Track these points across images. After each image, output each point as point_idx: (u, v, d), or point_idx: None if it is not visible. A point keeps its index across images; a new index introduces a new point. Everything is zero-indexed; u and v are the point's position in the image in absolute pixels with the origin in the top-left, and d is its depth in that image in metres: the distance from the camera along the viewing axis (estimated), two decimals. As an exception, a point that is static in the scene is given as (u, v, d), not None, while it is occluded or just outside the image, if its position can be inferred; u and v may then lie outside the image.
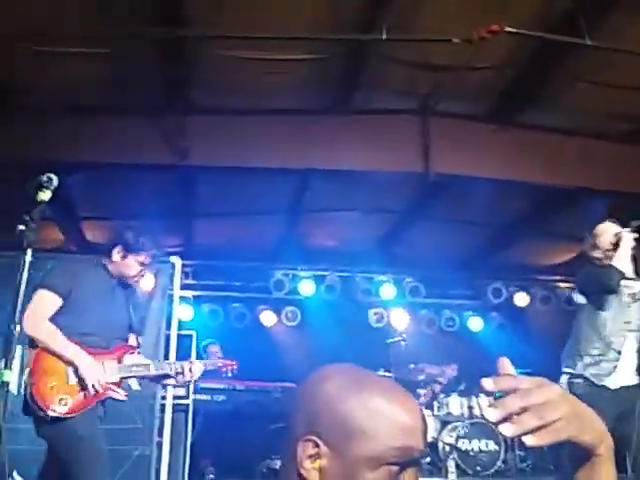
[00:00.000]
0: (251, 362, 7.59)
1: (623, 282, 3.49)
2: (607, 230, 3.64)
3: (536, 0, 4.10)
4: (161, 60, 4.48)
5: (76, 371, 3.04)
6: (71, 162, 4.93)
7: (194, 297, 7.68)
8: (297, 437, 0.99)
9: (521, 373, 0.94)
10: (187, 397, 5.90)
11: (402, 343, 7.95)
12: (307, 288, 7.80)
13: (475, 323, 8.74)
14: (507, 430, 0.84)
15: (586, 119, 5.26)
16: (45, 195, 2.71)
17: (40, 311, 3.09)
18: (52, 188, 2.73)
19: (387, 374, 7.62)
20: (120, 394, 3.18)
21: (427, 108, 5.16)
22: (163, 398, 5.53)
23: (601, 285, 3.53)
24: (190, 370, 3.29)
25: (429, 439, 6.82)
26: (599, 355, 3.51)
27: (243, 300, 8.11)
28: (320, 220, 6.66)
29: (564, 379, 3.59)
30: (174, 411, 5.52)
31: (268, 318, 8.36)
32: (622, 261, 3.48)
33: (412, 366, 7.55)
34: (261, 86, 4.88)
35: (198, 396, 6.14)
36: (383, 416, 0.98)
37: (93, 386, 3.03)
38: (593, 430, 0.92)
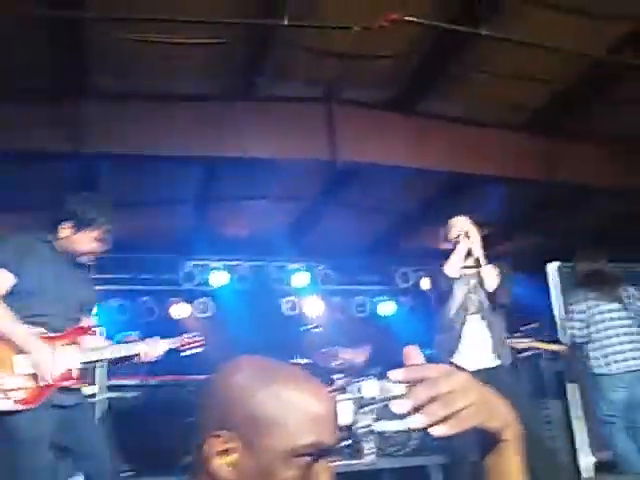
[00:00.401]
0: (163, 356, 7.45)
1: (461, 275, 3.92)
2: (455, 225, 4.04)
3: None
4: (53, 42, 4.25)
5: (25, 359, 2.74)
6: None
7: (99, 292, 7.42)
8: (205, 433, 0.97)
9: (431, 354, 0.95)
10: (95, 396, 5.72)
11: (316, 330, 8.04)
12: (219, 279, 7.70)
13: (386, 308, 8.93)
14: (416, 422, 0.85)
15: (485, 108, 5.45)
16: None
17: None
18: None
19: (302, 361, 7.69)
20: (78, 383, 2.93)
21: (332, 96, 5.18)
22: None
23: (436, 289, 4.04)
24: (151, 351, 3.10)
25: (346, 422, 6.93)
26: (444, 340, 3.96)
27: (152, 293, 7.90)
28: (229, 209, 6.58)
29: None
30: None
31: (179, 311, 8.19)
32: (451, 266, 3.90)
33: (324, 350, 7.64)
34: (162, 70, 4.73)
35: (109, 394, 5.95)
36: (294, 407, 0.97)
37: (46, 377, 2.74)
38: (499, 416, 0.93)
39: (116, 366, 3.36)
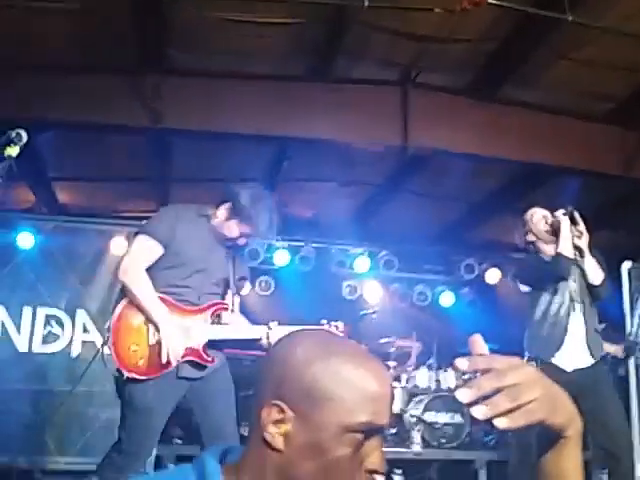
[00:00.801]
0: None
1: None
2: (537, 215, 3.81)
3: (521, -27, 4.06)
4: (135, 17, 4.34)
5: (157, 332, 2.83)
6: (40, 119, 4.79)
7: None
8: (264, 402, 0.98)
9: (490, 349, 0.93)
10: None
11: (374, 316, 8.02)
12: (282, 258, 7.76)
13: (447, 298, 8.79)
14: (479, 412, 0.83)
15: (566, 97, 5.26)
16: (13, 151, 2.62)
17: (137, 257, 2.90)
18: (21, 144, 2.63)
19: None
20: (204, 359, 2.95)
21: (408, 79, 5.11)
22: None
23: (554, 275, 3.63)
24: (268, 337, 3.04)
25: (396, 410, 6.91)
26: (547, 335, 3.64)
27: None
28: (296, 190, 6.62)
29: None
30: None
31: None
32: (566, 245, 3.58)
33: (383, 340, 7.62)
34: (240, 49, 4.78)
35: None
36: (351, 383, 0.97)
37: (166, 355, 2.80)
38: (565, 412, 0.91)
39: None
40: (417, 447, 6.53)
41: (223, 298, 3.10)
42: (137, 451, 2.86)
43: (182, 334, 2.87)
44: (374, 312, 8.02)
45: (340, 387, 0.96)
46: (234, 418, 3.08)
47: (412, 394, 7.04)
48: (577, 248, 3.67)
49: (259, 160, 6.07)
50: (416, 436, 6.64)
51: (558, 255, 3.57)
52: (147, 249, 2.91)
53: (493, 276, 8.02)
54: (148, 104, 4.86)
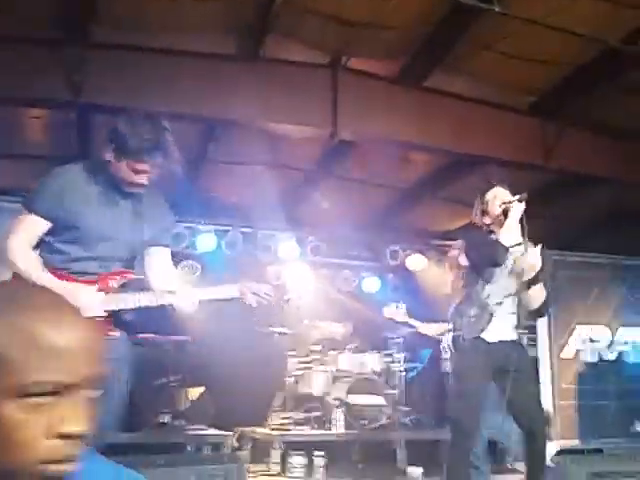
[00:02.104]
0: (146, 315, 7.42)
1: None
2: (497, 196, 3.69)
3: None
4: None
5: None
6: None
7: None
8: None
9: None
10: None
11: (299, 301, 8.02)
12: (207, 242, 7.64)
13: (372, 284, 8.92)
14: None
15: (491, 88, 5.38)
16: None
17: (20, 237, 2.58)
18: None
19: (283, 330, 7.70)
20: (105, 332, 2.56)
21: (338, 64, 5.09)
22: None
23: (487, 259, 3.60)
24: (184, 301, 2.70)
25: (319, 393, 6.97)
26: (475, 316, 3.65)
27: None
28: (223, 173, 6.50)
29: (449, 335, 3.79)
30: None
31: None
32: (510, 233, 3.52)
33: (306, 322, 7.65)
34: (168, 25, 4.63)
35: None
36: (25, 339, 0.86)
37: None
38: None
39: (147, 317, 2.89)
40: (339, 429, 6.62)
41: (132, 263, 2.76)
42: None
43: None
44: (300, 297, 8.03)
45: (10, 343, 0.85)
46: None
47: (335, 377, 7.12)
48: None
49: (184, 140, 5.89)
50: (339, 418, 6.73)
51: (497, 241, 3.54)
52: (28, 228, 2.60)
53: (416, 262, 8.19)
54: (69, 77, 4.61)
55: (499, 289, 3.68)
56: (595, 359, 7.01)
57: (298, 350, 7.61)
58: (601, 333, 7.09)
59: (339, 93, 5.11)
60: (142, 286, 2.76)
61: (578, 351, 6.95)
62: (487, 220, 3.73)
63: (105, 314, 2.61)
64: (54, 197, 2.60)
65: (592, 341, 7.04)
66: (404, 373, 7.21)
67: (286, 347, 7.66)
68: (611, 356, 7.07)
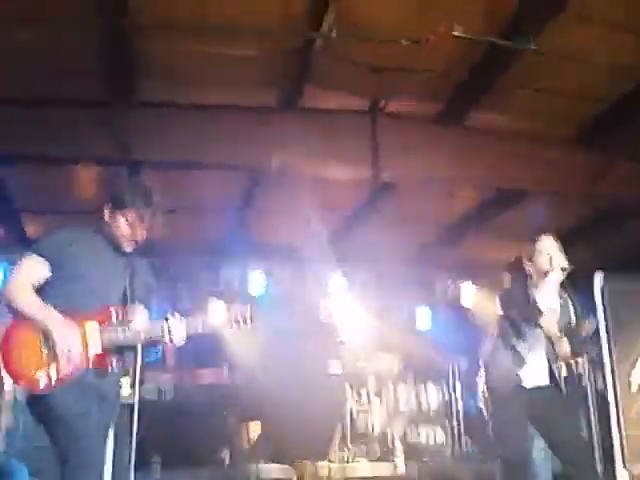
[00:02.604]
0: (201, 354, 7.56)
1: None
2: (546, 249, 3.86)
3: (483, 3, 4.15)
4: (102, 49, 4.34)
5: (51, 339, 2.71)
6: (5, 152, 4.75)
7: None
8: None
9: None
10: (133, 395, 5.83)
11: (352, 338, 8.05)
12: (258, 284, 7.77)
13: (423, 319, 8.87)
14: None
15: (529, 123, 5.37)
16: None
17: (21, 276, 2.83)
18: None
19: (337, 371, 7.71)
20: (106, 363, 2.82)
21: (376, 109, 5.17)
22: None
23: (522, 319, 3.77)
24: (175, 332, 2.89)
25: (378, 428, 6.93)
26: (507, 366, 3.82)
27: (192, 297, 8.01)
28: (270, 217, 6.63)
29: (482, 381, 3.97)
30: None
31: (218, 313, 8.26)
32: (547, 296, 3.76)
33: (361, 363, 7.65)
34: (209, 80, 4.80)
35: (146, 396, 6.08)
36: None
37: (68, 352, 2.68)
38: None
39: (147, 349, 3.21)
40: (400, 463, 6.56)
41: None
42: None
43: (79, 340, 2.76)
44: (353, 333, 8.05)
45: None
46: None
47: (393, 411, 7.07)
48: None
49: (231, 189, 6.09)
50: (399, 453, 6.68)
51: (535, 306, 3.72)
52: (31, 267, 2.85)
53: (468, 295, 8.10)
54: (116, 136, 4.84)
55: (531, 339, 3.80)
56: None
57: (356, 386, 7.61)
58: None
59: (379, 136, 5.18)
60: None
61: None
62: (530, 267, 3.90)
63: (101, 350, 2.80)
64: (59, 245, 2.89)
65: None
66: (463, 405, 7.10)
67: (344, 383, 7.67)
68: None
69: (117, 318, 2.88)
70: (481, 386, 4.06)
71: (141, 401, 5.84)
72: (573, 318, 3.85)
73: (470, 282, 7.73)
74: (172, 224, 6.71)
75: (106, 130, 4.86)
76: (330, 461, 6.77)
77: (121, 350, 2.93)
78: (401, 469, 6.53)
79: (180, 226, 6.75)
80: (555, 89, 4.82)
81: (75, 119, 4.88)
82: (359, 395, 7.41)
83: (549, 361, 3.80)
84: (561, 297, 3.87)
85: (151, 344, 3.04)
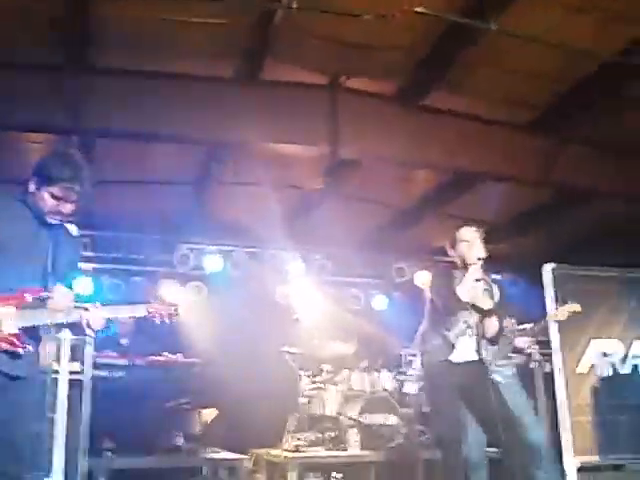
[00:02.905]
0: (154, 337, 7.44)
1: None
2: (466, 238, 4.07)
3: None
4: (57, 14, 4.19)
5: None
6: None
7: (94, 269, 7.37)
8: None
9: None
10: (82, 372, 5.70)
11: (307, 319, 8.02)
12: (213, 263, 7.67)
13: (379, 302, 8.91)
14: None
15: (490, 105, 5.41)
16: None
17: None
18: None
19: (293, 350, 7.69)
20: (16, 345, 2.69)
21: (337, 84, 5.13)
22: (56, 372, 5.31)
23: (446, 306, 4.04)
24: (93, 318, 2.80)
25: (332, 413, 6.94)
26: (437, 345, 4.08)
27: (146, 273, 7.87)
28: (227, 194, 6.54)
29: (418, 358, 4.31)
30: (69, 387, 5.32)
31: (171, 292, 8.15)
32: (465, 289, 3.92)
33: (316, 342, 7.63)
34: (165, 49, 4.69)
35: (95, 372, 5.92)
36: None
37: None
38: None
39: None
40: (354, 449, 6.56)
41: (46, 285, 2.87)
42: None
43: None
44: (308, 316, 8.03)
45: None
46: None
47: (347, 397, 7.07)
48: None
49: (187, 163, 5.97)
50: (354, 438, 6.68)
51: (455, 295, 3.94)
52: None
53: (423, 279, 8.17)
54: (69, 103, 4.68)
55: (458, 322, 4.04)
56: (610, 373, 6.92)
57: (309, 370, 7.59)
58: (614, 347, 7.00)
59: (338, 113, 5.15)
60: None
61: (592, 366, 6.87)
62: (452, 253, 4.16)
63: (18, 330, 2.70)
64: None
65: (606, 355, 6.96)
66: (418, 391, 7.14)
67: (297, 367, 7.64)
68: (626, 370, 6.97)
69: (34, 299, 2.76)
70: (416, 365, 4.27)
71: (93, 379, 5.73)
72: (497, 301, 4.09)
73: (424, 268, 7.85)
74: (125, 198, 6.61)
75: (57, 96, 4.71)
76: (284, 448, 6.74)
77: (36, 330, 2.81)
78: (356, 455, 6.54)
79: (133, 201, 6.60)
80: (514, 71, 4.86)
81: (27, 86, 4.72)
82: (313, 380, 7.38)
83: (477, 341, 4.00)
84: (485, 283, 4.07)
85: (71, 327, 2.95)
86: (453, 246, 4.14)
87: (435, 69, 4.93)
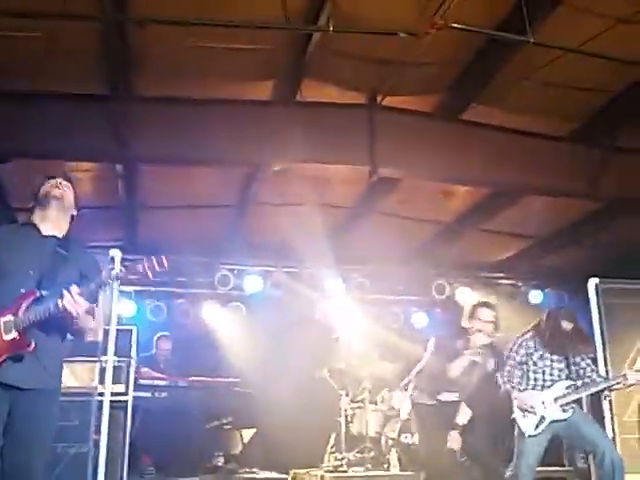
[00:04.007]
0: (194, 358, 7.50)
1: None
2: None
3: (482, -4, 4.13)
4: (101, 44, 4.30)
5: None
6: (3, 149, 4.71)
7: (135, 292, 7.49)
8: None
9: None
10: (126, 394, 5.76)
11: (347, 338, 7.97)
12: (253, 284, 7.71)
13: (419, 319, 8.82)
14: None
15: (530, 117, 5.33)
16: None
17: None
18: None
19: (333, 369, 7.64)
20: (23, 347, 2.78)
21: (373, 103, 5.13)
22: (100, 395, 5.36)
23: None
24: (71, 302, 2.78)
25: (372, 433, 6.86)
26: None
27: (187, 295, 7.96)
28: (267, 214, 6.57)
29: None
30: (112, 408, 5.35)
31: (212, 313, 8.23)
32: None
33: (356, 361, 7.57)
34: (206, 75, 4.77)
35: (138, 393, 5.98)
36: None
37: None
38: None
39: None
40: (395, 469, 6.47)
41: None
42: None
43: None
44: (348, 335, 7.98)
45: None
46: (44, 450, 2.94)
47: (388, 416, 6.99)
48: None
49: (228, 185, 6.03)
50: (393, 458, 6.58)
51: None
52: None
53: (464, 295, 8.07)
54: (115, 131, 4.79)
55: None
56: (658, 389, 6.69)
57: (348, 389, 7.53)
58: (662, 361, 6.78)
59: (377, 131, 5.14)
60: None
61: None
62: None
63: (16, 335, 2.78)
64: None
65: (653, 370, 6.74)
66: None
67: (337, 386, 7.59)
68: (676, 385, 6.73)
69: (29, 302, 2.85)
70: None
71: (135, 400, 5.78)
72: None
73: (466, 284, 7.75)
74: (167, 222, 6.71)
75: (105, 126, 4.82)
76: (325, 468, 6.68)
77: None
78: (397, 475, 6.44)
79: (175, 224, 6.70)
80: (554, 83, 4.80)
81: (74, 115, 4.84)
82: (353, 400, 7.32)
83: None
84: None
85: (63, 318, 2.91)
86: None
87: (473, 83, 4.90)
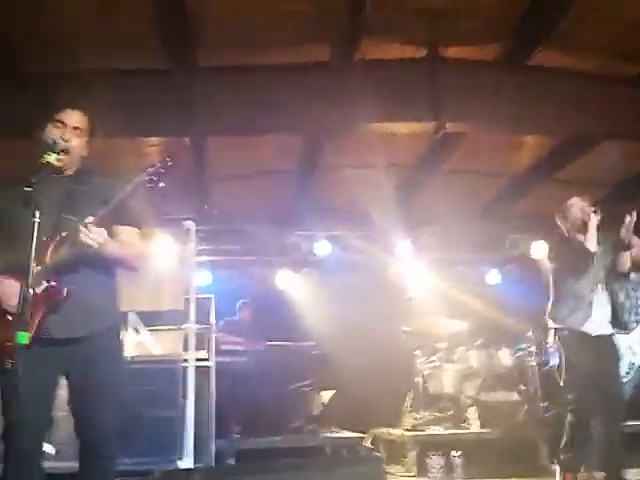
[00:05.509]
0: (271, 323, 7.70)
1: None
2: (576, 205, 4.48)
3: None
4: (157, 15, 4.35)
5: None
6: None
7: (210, 262, 7.71)
8: None
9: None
10: (208, 359, 5.99)
11: (420, 298, 7.98)
12: (323, 248, 7.79)
13: (492, 276, 8.69)
14: None
15: (602, 60, 5.06)
16: (51, 158, 2.76)
17: None
18: (58, 151, 2.79)
19: (407, 328, 7.67)
20: (59, 296, 2.68)
21: (435, 55, 5.01)
22: (185, 361, 5.61)
23: (579, 267, 4.29)
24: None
25: (450, 392, 6.87)
26: (574, 307, 4.33)
27: (260, 263, 8.14)
28: (332, 178, 6.58)
29: (552, 334, 4.47)
30: (196, 373, 5.60)
31: (286, 280, 8.39)
32: (592, 242, 4.27)
33: (430, 319, 7.58)
34: (264, 41, 4.77)
35: (220, 358, 6.22)
36: None
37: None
38: None
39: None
40: (475, 427, 6.48)
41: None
42: None
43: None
44: (420, 295, 7.98)
45: None
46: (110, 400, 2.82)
47: (465, 375, 6.98)
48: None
49: (291, 151, 6.07)
50: (473, 416, 6.59)
51: (586, 250, 4.24)
52: None
53: (540, 249, 7.85)
54: (179, 106, 4.88)
55: (589, 281, 4.34)
56: None
57: (424, 348, 7.55)
58: None
59: (440, 84, 5.03)
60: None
61: None
62: (566, 225, 4.52)
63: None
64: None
65: None
66: (537, 367, 6.92)
67: (412, 345, 7.63)
68: None
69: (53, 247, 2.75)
70: (551, 338, 4.50)
71: (217, 365, 6.01)
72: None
73: (540, 239, 7.53)
74: (236, 192, 6.84)
75: (167, 100, 4.91)
76: (404, 427, 6.76)
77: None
78: (476, 433, 6.45)
79: (244, 193, 6.82)
80: (623, 20, 4.53)
81: (138, 91, 4.90)
82: (429, 359, 7.35)
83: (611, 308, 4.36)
84: (600, 239, 4.33)
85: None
86: (566, 218, 4.51)
87: (535, 28, 4.69)
